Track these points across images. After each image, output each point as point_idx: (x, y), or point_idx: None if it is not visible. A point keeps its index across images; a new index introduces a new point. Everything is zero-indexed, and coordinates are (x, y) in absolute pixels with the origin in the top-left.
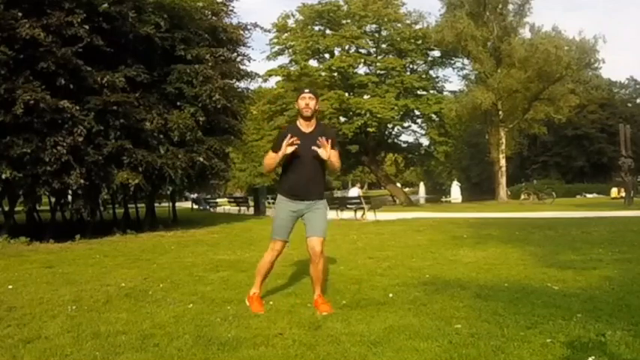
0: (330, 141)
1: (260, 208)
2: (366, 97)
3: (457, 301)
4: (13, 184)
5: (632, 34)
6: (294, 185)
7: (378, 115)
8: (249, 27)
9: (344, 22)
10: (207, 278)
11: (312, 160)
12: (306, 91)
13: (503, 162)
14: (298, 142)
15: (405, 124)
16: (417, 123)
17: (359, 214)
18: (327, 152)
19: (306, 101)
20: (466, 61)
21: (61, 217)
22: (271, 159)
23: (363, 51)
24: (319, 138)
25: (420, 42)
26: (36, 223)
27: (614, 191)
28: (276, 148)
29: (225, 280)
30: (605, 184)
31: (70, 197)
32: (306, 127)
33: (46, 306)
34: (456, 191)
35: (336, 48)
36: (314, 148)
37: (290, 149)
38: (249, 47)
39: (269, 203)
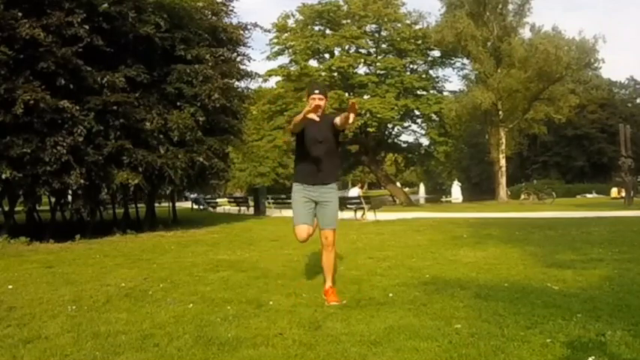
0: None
1: (260, 208)
2: (366, 97)
3: (457, 301)
4: (13, 184)
5: (632, 34)
6: (304, 171)
7: (378, 115)
8: (249, 27)
9: (344, 22)
10: (207, 278)
11: (322, 146)
12: (317, 91)
13: (503, 162)
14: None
15: (405, 124)
16: (417, 123)
17: (359, 214)
18: (350, 117)
19: (317, 102)
20: (466, 61)
21: (61, 217)
22: (295, 121)
23: (363, 51)
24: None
25: (420, 42)
26: (36, 223)
27: (614, 191)
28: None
29: (225, 280)
30: (605, 184)
31: (70, 197)
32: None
33: (46, 306)
34: (456, 191)
35: (336, 48)
36: (335, 120)
37: (311, 115)
38: (249, 47)
39: (269, 203)
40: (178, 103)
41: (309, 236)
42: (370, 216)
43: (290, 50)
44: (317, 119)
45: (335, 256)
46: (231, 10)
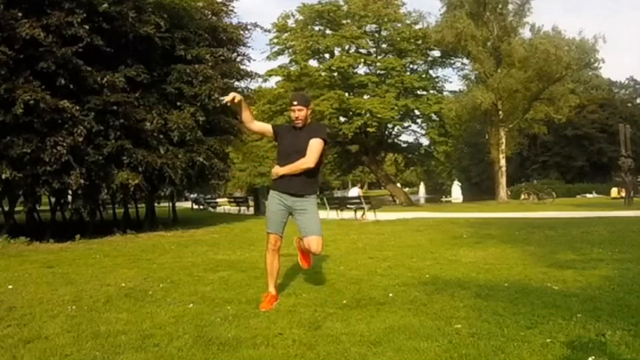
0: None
1: (260, 208)
2: (366, 97)
3: (457, 301)
4: (13, 184)
5: (632, 34)
6: (278, 179)
7: (378, 115)
8: (249, 27)
9: (344, 22)
10: (207, 278)
11: (297, 157)
12: (295, 103)
13: (503, 162)
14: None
15: (405, 124)
16: (417, 123)
17: (359, 214)
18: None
19: (296, 114)
20: (466, 61)
21: (61, 217)
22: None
23: (363, 51)
24: None
25: (420, 42)
26: (36, 223)
27: (614, 191)
28: (272, 126)
29: (225, 280)
30: (605, 184)
31: (70, 197)
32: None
33: (46, 306)
34: (457, 191)
35: (336, 48)
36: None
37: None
38: (249, 47)
39: None
40: (178, 103)
41: (279, 246)
42: (370, 216)
43: (290, 50)
44: (286, 141)
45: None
46: (231, 10)
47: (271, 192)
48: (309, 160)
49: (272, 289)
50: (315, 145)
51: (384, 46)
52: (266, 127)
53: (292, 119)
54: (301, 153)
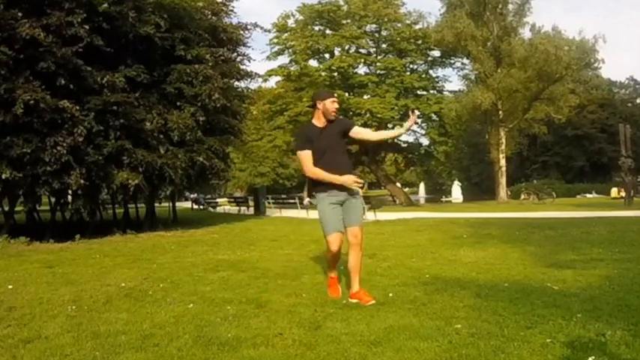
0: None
1: (260, 208)
2: (366, 97)
3: (457, 301)
4: (13, 184)
5: (632, 34)
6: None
7: (378, 115)
8: (249, 27)
9: (344, 22)
10: (207, 278)
11: (332, 150)
12: (336, 95)
13: (503, 162)
14: (361, 182)
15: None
16: (417, 123)
17: None
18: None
19: (336, 105)
20: (466, 61)
21: (61, 217)
22: (321, 176)
23: (363, 51)
24: (410, 112)
25: (420, 42)
26: (36, 223)
27: (614, 191)
28: (305, 146)
29: (225, 280)
30: (605, 184)
31: (70, 197)
32: (320, 124)
33: (46, 306)
34: (457, 191)
35: (336, 48)
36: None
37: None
38: (249, 47)
39: (269, 203)
40: (178, 103)
41: (340, 246)
42: (370, 216)
43: (290, 50)
44: (321, 125)
45: (362, 257)
46: (231, 10)
47: (320, 195)
48: (376, 134)
49: (333, 273)
50: (369, 130)
51: (384, 46)
52: (325, 177)
53: (330, 111)
54: (332, 148)
